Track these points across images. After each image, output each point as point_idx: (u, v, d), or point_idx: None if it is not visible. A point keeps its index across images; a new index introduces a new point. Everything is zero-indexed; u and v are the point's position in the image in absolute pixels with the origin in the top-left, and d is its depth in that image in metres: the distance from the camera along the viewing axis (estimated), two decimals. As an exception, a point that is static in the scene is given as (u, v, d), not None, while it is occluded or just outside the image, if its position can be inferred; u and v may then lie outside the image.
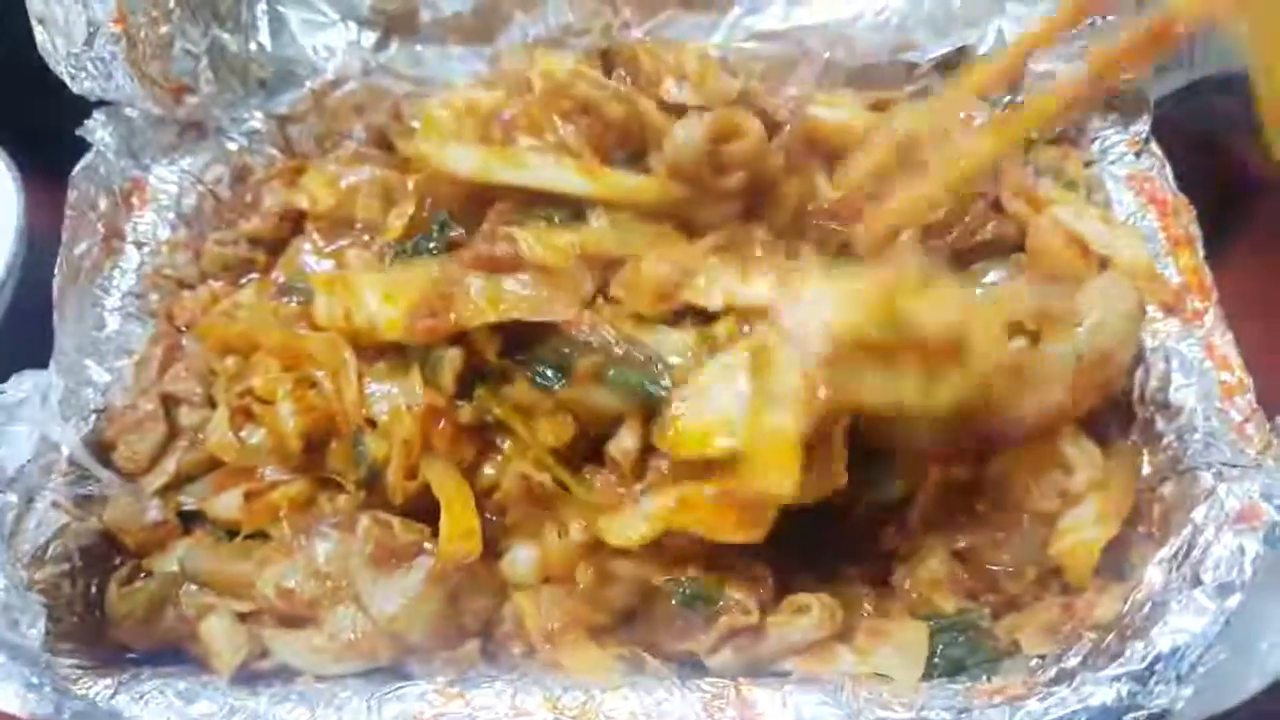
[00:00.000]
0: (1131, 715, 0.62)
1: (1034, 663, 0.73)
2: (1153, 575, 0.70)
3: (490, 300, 0.79)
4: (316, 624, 0.80)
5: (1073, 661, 0.70)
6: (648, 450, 0.77)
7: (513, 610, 0.80)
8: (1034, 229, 0.93)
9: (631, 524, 0.74)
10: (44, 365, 0.90)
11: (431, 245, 0.89)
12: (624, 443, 0.77)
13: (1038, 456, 0.81)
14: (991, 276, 0.96)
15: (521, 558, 0.80)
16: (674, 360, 0.77)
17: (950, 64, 1.09)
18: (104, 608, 0.84)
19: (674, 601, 0.76)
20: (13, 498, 0.80)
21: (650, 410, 0.76)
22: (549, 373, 0.78)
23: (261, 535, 0.85)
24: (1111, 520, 0.76)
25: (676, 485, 0.74)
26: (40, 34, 1.03)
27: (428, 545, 0.79)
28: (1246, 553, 0.65)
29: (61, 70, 1.04)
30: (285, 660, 0.79)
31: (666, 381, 0.76)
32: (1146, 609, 0.68)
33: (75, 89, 1.05)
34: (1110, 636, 0.69)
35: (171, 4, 1.06)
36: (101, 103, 1.07)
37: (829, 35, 1.09)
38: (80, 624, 0.82)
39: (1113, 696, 0.63)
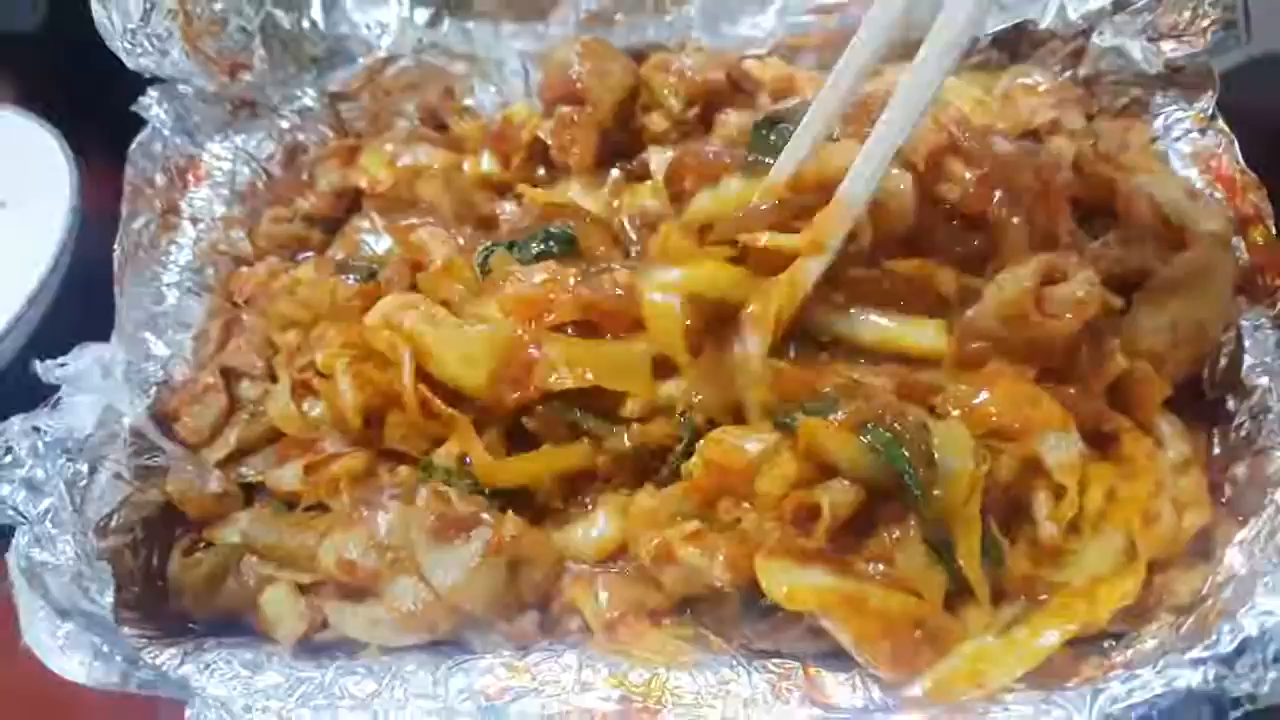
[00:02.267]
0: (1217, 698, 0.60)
1: (1108, 643, 0.72)
2: (1233, 557, 0.69)
3: (571, 365, 0.78)
4: (377, 595, 0.79)
5: (1150, 643, 0.69)
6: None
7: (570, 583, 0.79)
8: (1124, 192, 0.89)
9: (795, 582, 0.70)
10: (100, 337, 0.91)
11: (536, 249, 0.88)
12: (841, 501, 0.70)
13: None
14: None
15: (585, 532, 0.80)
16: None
17: (1010, 40, 1.08)
18: (166, 578, 0.85)
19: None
20: (82, 467, 0.80)
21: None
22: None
23: (321, 507, 0.85)
24: (1204, 503, 0.75)
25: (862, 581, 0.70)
26: (98, 10, 1.04)
27: (485, 516, 0.78)
28: (1332, 534, 0.64)
29: (118, 46, 1.05)
30: (345, 632, 0.80)
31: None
32: (1229, 591, 0.67)
33: (131, 65, 1.06)
34: (1189, 619, 0.68)
35: (227, -21, 1.06)
36: (155, 80, 1.08)
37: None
38: (142, 594, 0.83)
39: (1198, 679, 0.61)
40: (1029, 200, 0.78)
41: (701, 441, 0.75)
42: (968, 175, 0.76)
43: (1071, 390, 0.74)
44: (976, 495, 0.68)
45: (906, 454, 0.68)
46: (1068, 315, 0.72)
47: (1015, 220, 0.76)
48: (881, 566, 0.69)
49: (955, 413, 0.71)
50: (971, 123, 0.80)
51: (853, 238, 0.77)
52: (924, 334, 0.77)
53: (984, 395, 0.71)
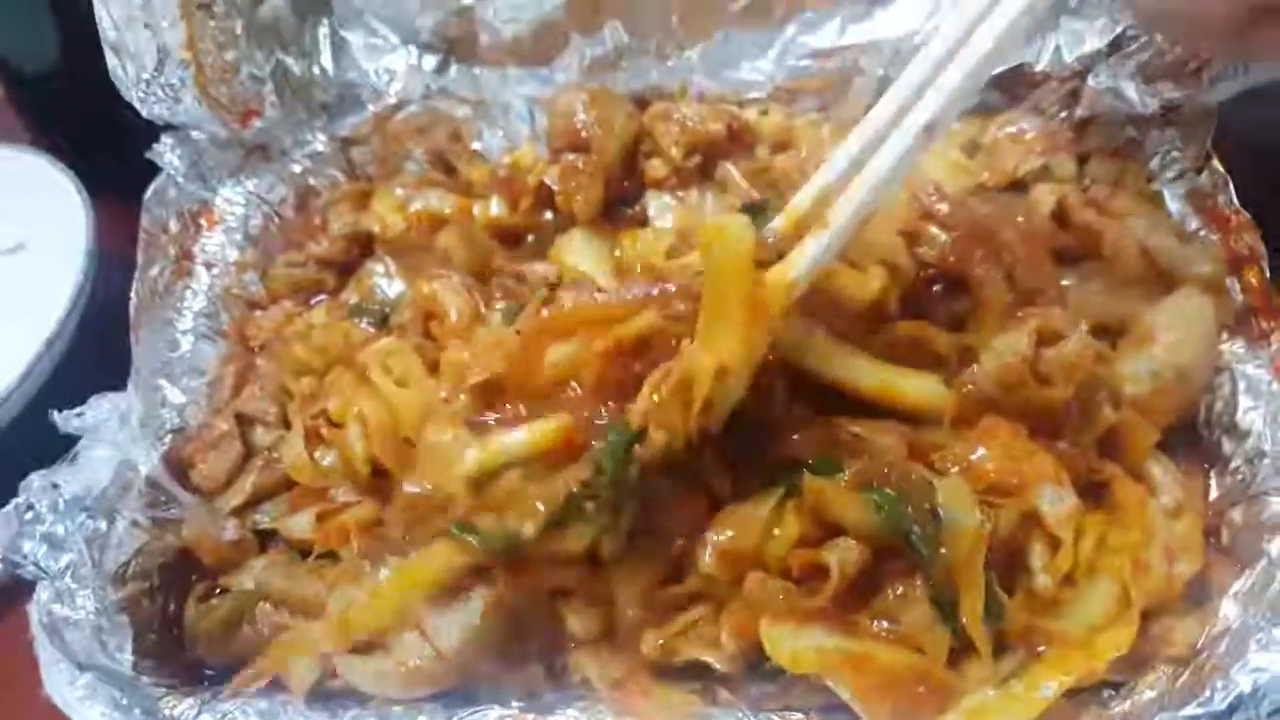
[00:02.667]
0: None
1: (1107, 693, 0.73)
2: (1229, 609, 0.70)
3: None
4: (384, 649, 0.80)
5: (1148, 694, 0.70)
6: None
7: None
8: (1111, 238, 0.92)
9: (797, 645, 0.71)
10: (115, 379, 0.93)
11: None
12: (849, 560, 0.71)
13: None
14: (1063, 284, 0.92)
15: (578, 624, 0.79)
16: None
17: (1006, 81, 1.09)
18: (182, 625, 0.86)
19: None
20: (100, 524, 0.82)
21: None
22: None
23: (333, 555, 0.86)
24: (1197, 550, 0.76)
25: (866, 639, 0.70)
26: (112, 60, 1.06)
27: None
28: (1324, 589, 0.65)
29: (132, 96, 1.07)
30: (353, 684, 0.81)
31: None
32: (1224, 645, 0.68)
33: (145, 114, 1.08)
34: (1186, 671, 0.69)
35: (238, 30, 1.08)
36: (169, 126, 1.10)
37: (884, 52, 1.09)
38: (159, 641, 0.85)
39: (1194, 735, 0.62)
40: (1008, 257, 0.79)
41: (710, 536, 0.75)
42: (943, 236, 0.78)
43: (1063, 444, 0.75)
44: (980, 551, 0.69)
45: (912, 512, 0.70)
46: (1063, 381, 0.74)
47: (994, 277, 0.77)
48: (886, 624, 0.70)
49: (954, 469, 0.72)
50: (944, 190, 0.82)
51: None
52: (925, 385, 0.78)
53: (981, 451, 0.73)
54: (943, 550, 0.69)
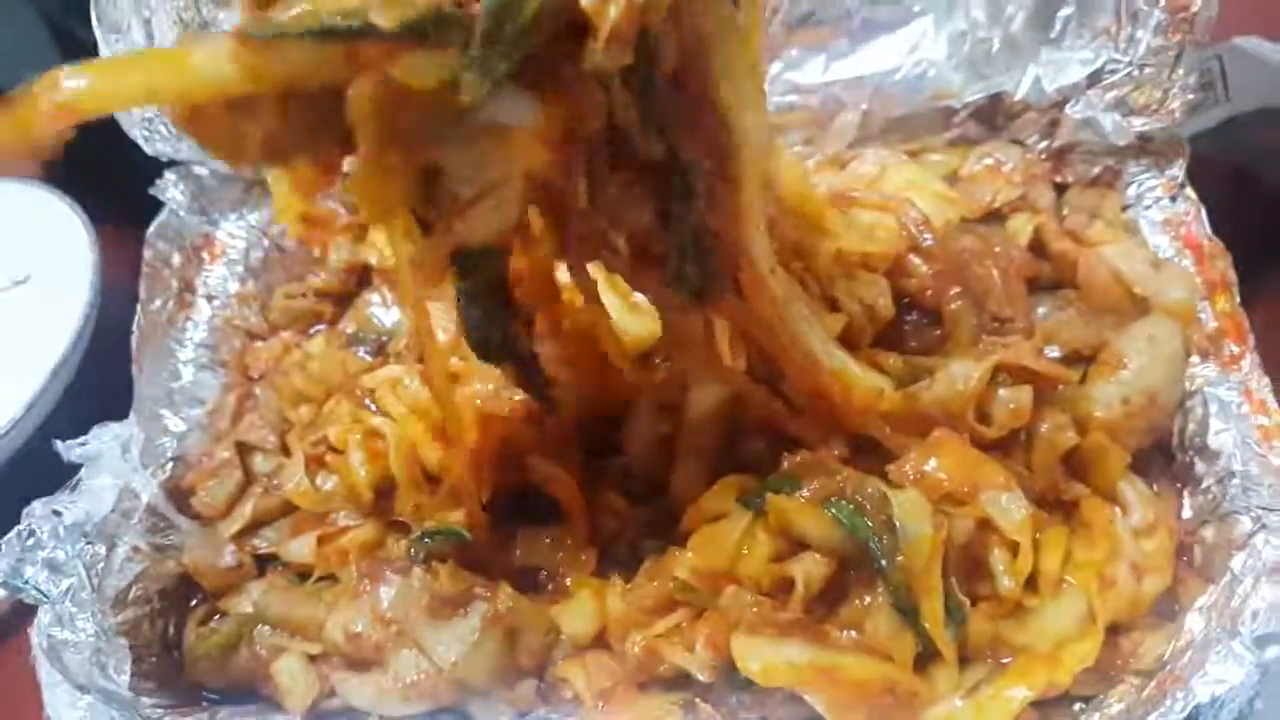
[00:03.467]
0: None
1: (1078, 706, 0.74)
2: (1194, 622, 0.72)
3: None
4: (382, 667, 0.83)
5: (1116, 707, 0.72)
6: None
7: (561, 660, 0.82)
8: (1084, 266, 0.94)
9: (768, 659, 0.73)
10: (118, 407, 0.96)
11: None
12: (814, 572, 0.74)
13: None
14: (1040, 311, 0.95)
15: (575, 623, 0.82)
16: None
17: (986, 111, 1.12)
18: (182, 648, 0.89)
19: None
20: (100, 549, 0.85)
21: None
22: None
23: (331, 578, 0.88)
24: (1165, 567, 0.78)
25: (835, 650, 0.73)
26: (117, 99, 1.09)
27: (479, 590, 0.81)
28: (1284, 604, 0.67)
29: (136, 133, 1.11)
30: (351, 702, 0.83)
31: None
32: (1187, 657, 0.70)
33: (149, 150, 1.12)
34: (1151, 684, 0.71)
35: (240, 68, 1.11)
36: (173, 162, 1.13)
37: (867, 88, 1.12)
38: (159, 664, 0.87)
39: (1154, 745, 0.64)
40: (980, 290, 0.82)
41: (684, 553, 0.79)
42: (925, 269, 0.81)
43: (1012, 463, 0.79)
44: (937, 558, 0.72)
45: (870, 524, 0.73)
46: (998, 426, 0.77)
47: (965, 310, 0.80)
48: (853, 633, 0.73)
49: (910, 481, 0.75)
50: (932, 223, 0.85)
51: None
52: (877, 382, 0.80)
53: (933, 463, 0.76)
54: (900, 558, 0.72)
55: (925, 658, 0.74)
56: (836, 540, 0.74)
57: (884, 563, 0.72)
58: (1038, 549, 0.76)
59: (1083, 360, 0.86)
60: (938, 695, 0.72)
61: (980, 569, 0.76)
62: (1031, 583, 0.76)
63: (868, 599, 0.73)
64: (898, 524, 0.72)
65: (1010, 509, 0.74)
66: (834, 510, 0.74)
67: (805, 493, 0.75)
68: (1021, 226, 0.99)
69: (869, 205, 0.90)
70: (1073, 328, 0.88)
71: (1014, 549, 0.75)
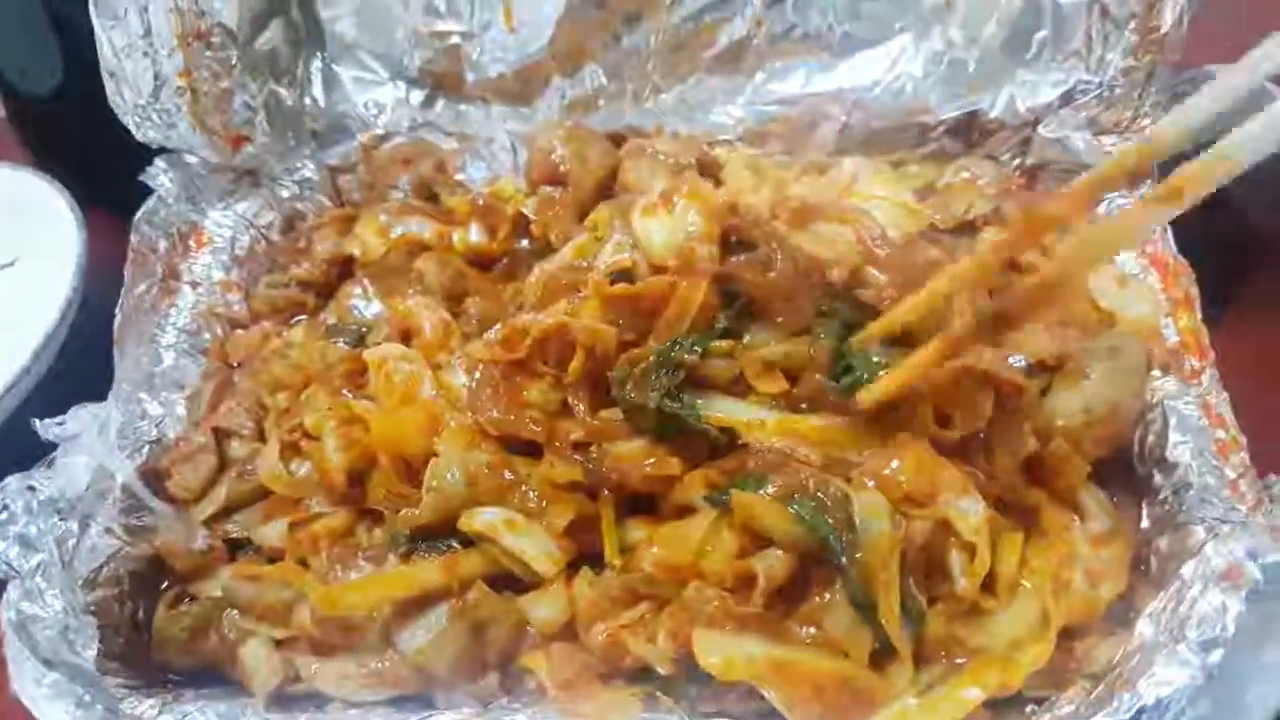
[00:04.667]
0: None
1: (1030, 708, 0.76)
2: (1144, 627, 0.74)
3: None
4: (348, 651, 0.84)
5: (1066, 709, 0.73)
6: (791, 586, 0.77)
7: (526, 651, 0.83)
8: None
9: (728, 653, 0.74)
10: (100, 392, 0.97)
11: None
12: (776, 568, 0.76)
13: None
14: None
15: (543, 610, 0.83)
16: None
17: (962, 128, 1.15)
18: (150, 629, 0.89)
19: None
20: (72, 525, 0.85)
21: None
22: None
23: (302, 564, 0.89)
24: (1121, 575, 0.80)
25: (793, 646, 0.74)
26: (110, 86, 1.10)
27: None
28: (1229, 610, 0.68)
29: (129, 120, 1.12)
30: (315, 686, 0.84)
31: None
32: (1136, 660, 0.71)
33: (140, 137, 1.13)
34: (1100, 686, 0.73)
35: (233, 60, 1.13)
36: (163, 150, 1.14)
37: (847, 101, 1.15)
38: (127, 645, 0.88)
39: (1099, 746, 0.66)
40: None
41: (649, 549, 0.80)
42: (882, 279, 0.83)
43: (970, 468, 0.80)
44: (895, 557, 0.74)
45: (831, 521, 0.75)
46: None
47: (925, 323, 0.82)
48: (813, 630, 0.75)
49: (871, 482, 0.77)
50: (888, 236, 0.87)
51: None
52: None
53: (895, 464, 0.77)
54: (859, 555, 0.73)
55: (882, 656, 0.75)
56: (798, 536, 0.75)
57: (843, 559, 0.74)
58: (995, 552, 0.77)
59: (1047, 370, 0.88)
60: (893, 693, 0.73)
61: (938, 570, 0.77)
62: (989, 586, 0.78)
63: (827, 595, 0.75)
64: (857, 521, 0.74)
65: (968, 512, 0.76)
66: (796, 507, 0.76)
67: (770, 489, 0.77)
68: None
69: (830, 218, 0.92)
70: (1040, 340, 0.90)
71: (971, 551, 0.77)
